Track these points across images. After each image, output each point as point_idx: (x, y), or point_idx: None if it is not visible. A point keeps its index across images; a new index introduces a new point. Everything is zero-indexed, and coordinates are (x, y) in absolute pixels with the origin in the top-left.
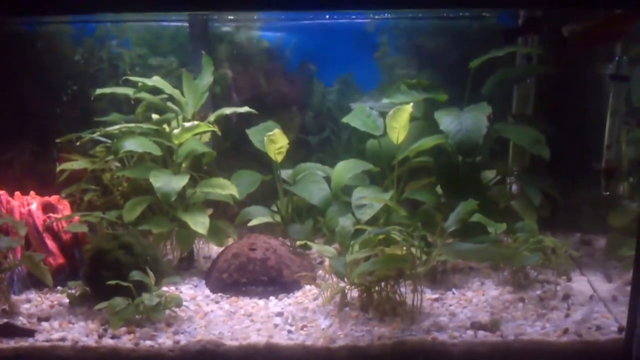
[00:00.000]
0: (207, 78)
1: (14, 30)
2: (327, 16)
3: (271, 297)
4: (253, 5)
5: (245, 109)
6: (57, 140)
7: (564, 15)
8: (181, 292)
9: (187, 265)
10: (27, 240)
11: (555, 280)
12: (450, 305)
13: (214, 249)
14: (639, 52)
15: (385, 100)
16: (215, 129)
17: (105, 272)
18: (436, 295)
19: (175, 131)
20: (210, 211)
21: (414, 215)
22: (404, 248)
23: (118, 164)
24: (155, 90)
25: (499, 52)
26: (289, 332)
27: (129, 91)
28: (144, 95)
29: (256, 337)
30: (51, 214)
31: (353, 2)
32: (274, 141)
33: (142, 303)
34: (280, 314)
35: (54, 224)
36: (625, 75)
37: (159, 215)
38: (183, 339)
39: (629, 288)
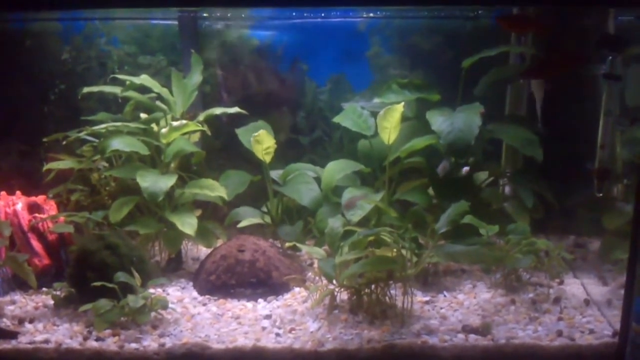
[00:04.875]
0: (196, 77)
1: (1, 28)
2: (321, 14)
3: (260, 300)
4: (243, 1)
5: (235, 110)
6: (44, 140)
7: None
8: (168, 294)
9: (175, 267)
10: (13, 240)
11: (547, 283)
12: (441, 308)
13: (203, 251)
14: (632, 52)
15: (376, 100)
16: (204, 128)
17: (91, 273)
18: (427, 298)
19: (163, 130)
20: (199, 212)
21: (405, 216)
22: (395, 250)
23: (106, 164)
24: (144, 89)
25: (491, 52)
26: (277, 335)
27: (117, 90)
28: (132, 94)
29: (243, 340)
30: (37, 214)
31: None
32: (260, 142)
33: (127, 305)
34: (268, 317)
35: (40, 224)
36: (618, 75)
37: (146, 215)
38: (168, 342)
39: (623, 291)
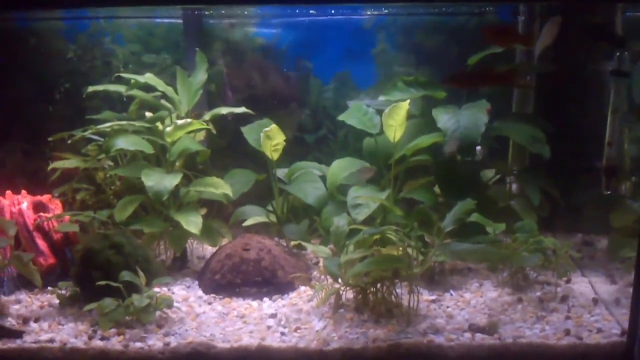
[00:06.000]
0: (201, 75)
1: (6, 27)
2: (329, 12)
3: (265, 299)
4: None
5: (242, 110)
6: (49, 139)
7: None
8: (173, 293)
9: (180, 266)
10: (18, 239)
11: (555, 282)
12: (448, 307)
13: (208, 249)
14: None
15: (382, 98)
16: (210, 126)
17: (96, 272)
18: (433, 297)
19: (168, 129)
20: (204, 211)
21: (411, 215)
22: (400, 248)
23: (111, 163)
24: (150, 88)
25: (497, 49)
26: (282, 334)
27: (121, 88)
28: (136, 92)
29: (248, 339)
30: (42, 213)
31: None
32: (271, 137)
33: (132, 304)
34: (273, 316)
35: (45, 223)
36: (627, 71)
37: (151, 214)
38: (173, 341)
39: (631, 290)
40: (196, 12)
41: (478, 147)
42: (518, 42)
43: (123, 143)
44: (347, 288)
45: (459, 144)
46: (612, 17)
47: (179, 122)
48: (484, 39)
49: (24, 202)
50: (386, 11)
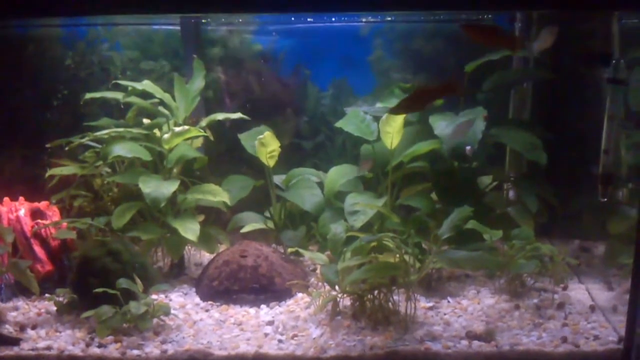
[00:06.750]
0: (198, 82)
1: (4, 34)
2: (327, 19)
3: (262, 306)
4: (245, 7)
5: (238, 115)
6: (47, 145)
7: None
8: (171, 300)
9: (177, 273)
10: (15, 246)
11: (552, 289)
12: (445, 314)
13: (206, 256)
14: (636, 55)
15: (379, 105)
16: (207, 133)
17: (93, 279)
18: (431, 304)
19: (166, 136)
20: (201, 217)
21: (408, 222)
22: (397, 255)
23: (108, 170)
24: (147, 95)
25: (494, 56)
26: (279, 341)
27: (119, 95)
28: (133, 99)
29: (245, 347)
30: (39, 220)
31: (349, 4)
32: (265, 144)
33: (130, 311)
34: (270, 323)
35: (43, 230)
36: (623, 79)
37: (149, 221)
38: (170, 348)
39: (628, 297)
40: (194, 19)
41: (468, 147)
42: (502, 44)
43: (120, 150)
44: (345, 295)
45: (455, 145)
46: (607, 26)
47: (177, 129)
48: (468, 37)
49: (22, 209)
50: (389, 18)
